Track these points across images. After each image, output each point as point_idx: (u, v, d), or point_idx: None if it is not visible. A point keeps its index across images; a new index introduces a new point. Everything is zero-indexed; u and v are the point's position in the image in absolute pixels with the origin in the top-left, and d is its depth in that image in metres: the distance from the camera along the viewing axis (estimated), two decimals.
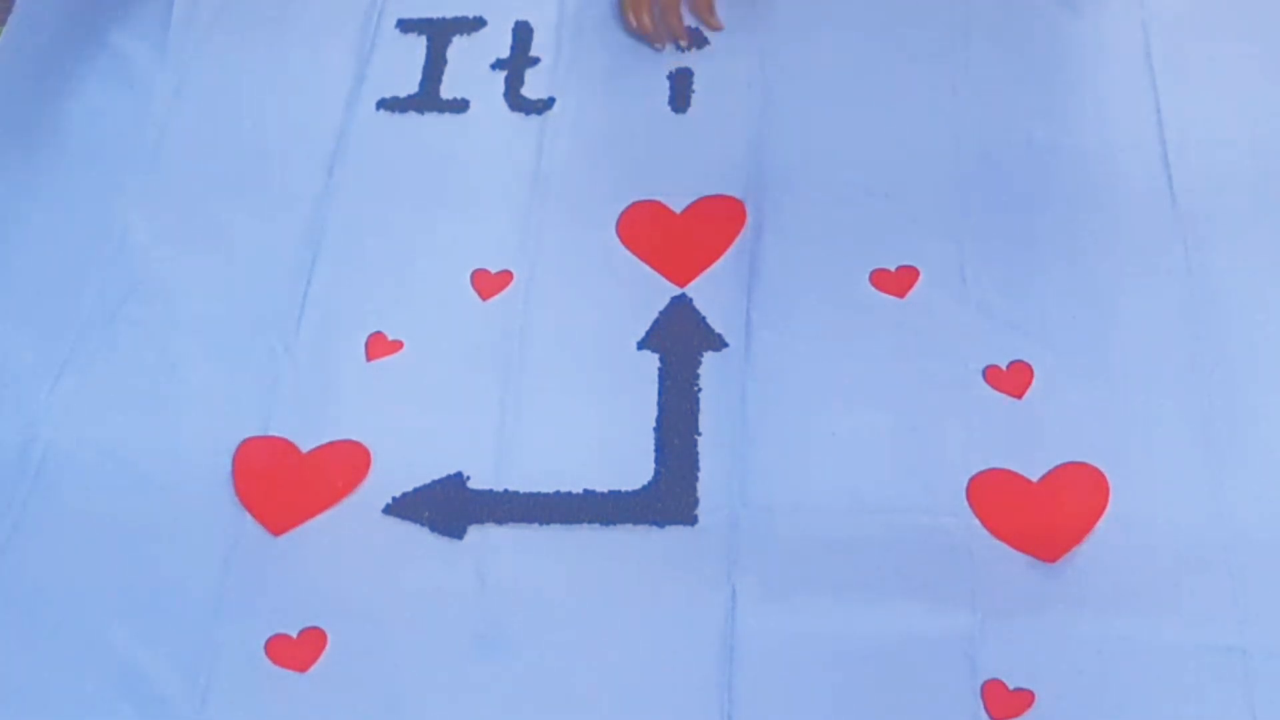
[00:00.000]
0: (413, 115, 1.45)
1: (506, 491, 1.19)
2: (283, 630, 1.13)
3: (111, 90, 1.49)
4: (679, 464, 1.20)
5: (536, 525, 1.18)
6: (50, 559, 1.18)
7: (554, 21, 1.52)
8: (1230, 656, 1.08)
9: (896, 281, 1.29)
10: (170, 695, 1.11)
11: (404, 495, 1.20)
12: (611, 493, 1.19)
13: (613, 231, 1.35)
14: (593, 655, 1.11)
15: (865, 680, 1.08)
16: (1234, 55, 1.42)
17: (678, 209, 1.36)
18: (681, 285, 1.31)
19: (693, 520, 1.17)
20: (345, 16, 1.54)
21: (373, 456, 1.22)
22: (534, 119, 1.44)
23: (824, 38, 1.48)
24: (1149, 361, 1.22)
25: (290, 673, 1.12)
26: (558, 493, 1.19)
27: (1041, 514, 1.15)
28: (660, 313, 1.29)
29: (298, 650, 1.13)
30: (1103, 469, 1.17)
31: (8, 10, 1.57)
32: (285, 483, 1.21)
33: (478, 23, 1.53)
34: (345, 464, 1.22)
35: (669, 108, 1.44)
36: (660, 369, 1.26)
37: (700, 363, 1.26)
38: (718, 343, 1.27)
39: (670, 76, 1.47)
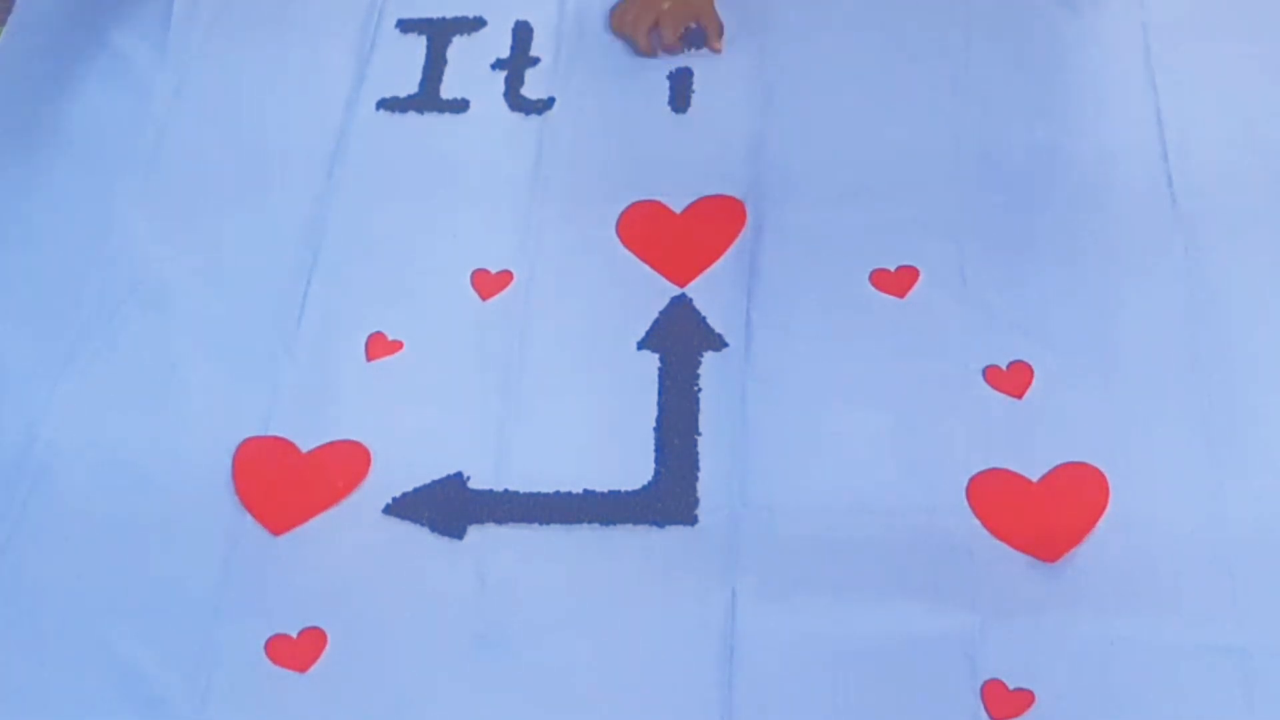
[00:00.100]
0: (413, 115, 1.46)
1: (506, 491, 1.19)
2: (283, 630, 1.13)
3: (111, 90, 1.49)
4: (679, 464, 1.20)
5: (536, 525, 1.18)
6: (50, 559, 1.18)
7: (554, 21, 1.52)
8: (1230, 656, 1.08)
9: (896, 281, 1.29)
10: (170, 695, 1.10)
11: (404, 495, 1.20)
12: (611, 493, 1.19)
13: (613, 231, 1.35)
14: (593, 655, 1.11)
15: (865, 680, 1.08)
16: (1234, 55, 1.42)
17: (678, 209, 1.36)
18: (681, 285, 1.31)
19: (693, 520, 1.17)
20: (345, 16, 1.54)
21: (373, 456, 1.22)
22: (534, 119, 1.44)
23: (824, 38, 1.48)
24: (1149, 361, 1.23)
25: (290, 673, 1.12)
26: (558, 493, 1.19)
27: (1041, 514, 1.15)
28: (660, 313, 1.29)
29: (298, 650, 1.13)
30: (1103, 469, 1.17)
31: (8, 10, 1.57)
32: (285, 483, 1.21)
33: (478, 23, 1.53)
34: (345, 464, 1.22)
35: (669, 108, 1.44)
36: (660, 369, 1.26)
37: (700, 363, 1.26)
38: (718, 343, 1.27)
39: (670, 76, 1.47)
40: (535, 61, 1.49)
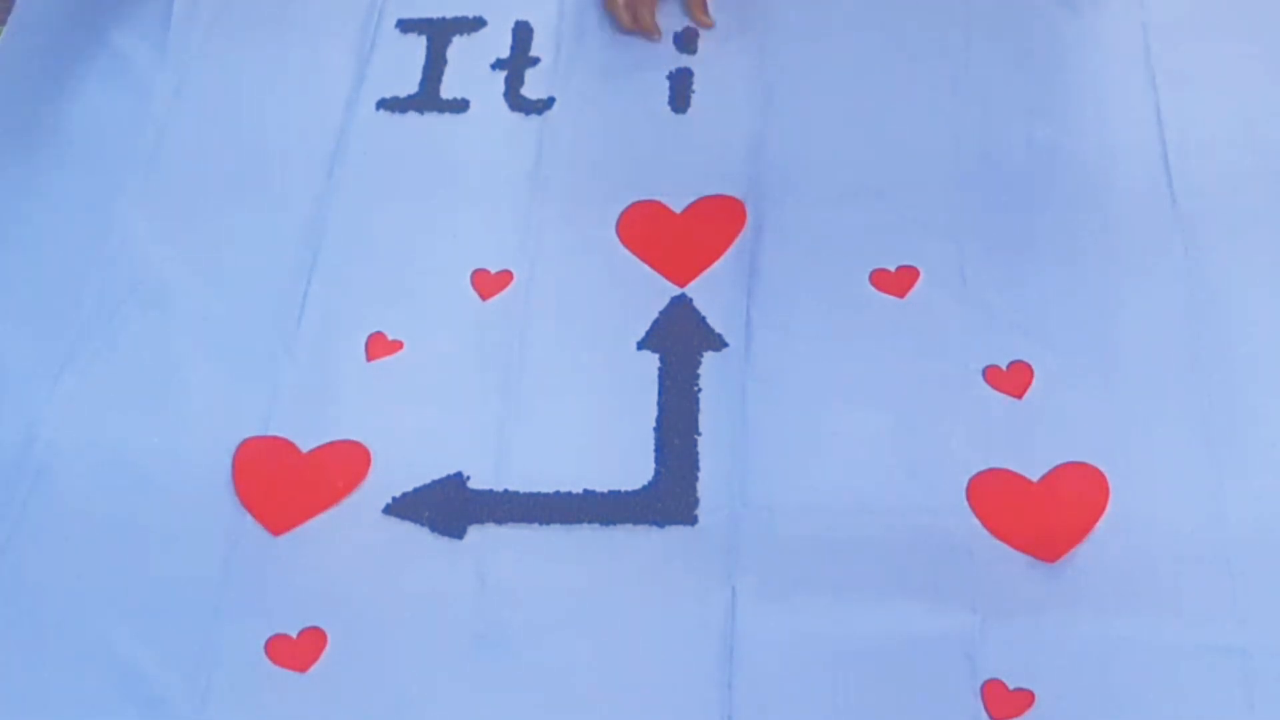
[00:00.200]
0: (413, 115, 1.46)
1: (506, 491, 1.19)
2: (283, 630, 1.13)
3: (111, 90, 1.49)
4: (679, 464, 1.20)
5: (536, 525, 1.18)
6: (50, 559, 1.18)
7: (554, 21, 1.52)
8: (1230, 656, 1.08)
9: (896, 281, 1.29)
10: (170, 695, 1.11)
11: (404, 495, 1.20)
12: (611, 493, 1.19)
13: (613, 231, 1.35)
14: (593, 655, 1.11)
15: (865, 680, 1.08)
16: (1234, 55, 1.42)
17: (678, 209, 1.36)
18: (681, 285, 1.31)
19: (693, 520, 1.17)
20: (345, 16, 1.54)
21: (373, 456, 1.22)
22: (534, 119, 1.44)
23: (824, 37, 1.48)
24: (1149, 361, 1.23)
25: (290, 673, 1.12)
26: (558, 493, 1.19)
27: (1041, 514, 1.15)
28: (660, 313, 1.29)
29: (298, 650, 1.13)
30: (1103, 469, 1.17)
31: (8, 10, 1.57)
32: (285, 483, 1.21)
33: (478, 23, 1.53)
34: (345, 464, 1.22)
35: (669, 108, 1.44)
36: (660, 369, 1.26)
37: (700, 363, 1.26)
38: (718, 343, 1.27)
39: (670, 76, 1.47)
40: (535, 61, 1.49)
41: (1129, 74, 1.41)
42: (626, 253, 1.34)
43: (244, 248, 1.36)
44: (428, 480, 1.20)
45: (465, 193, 1.39)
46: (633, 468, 1.20)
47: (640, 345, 1.27)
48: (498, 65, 1.49)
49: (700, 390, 1.24)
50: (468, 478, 1.20)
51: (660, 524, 1.17)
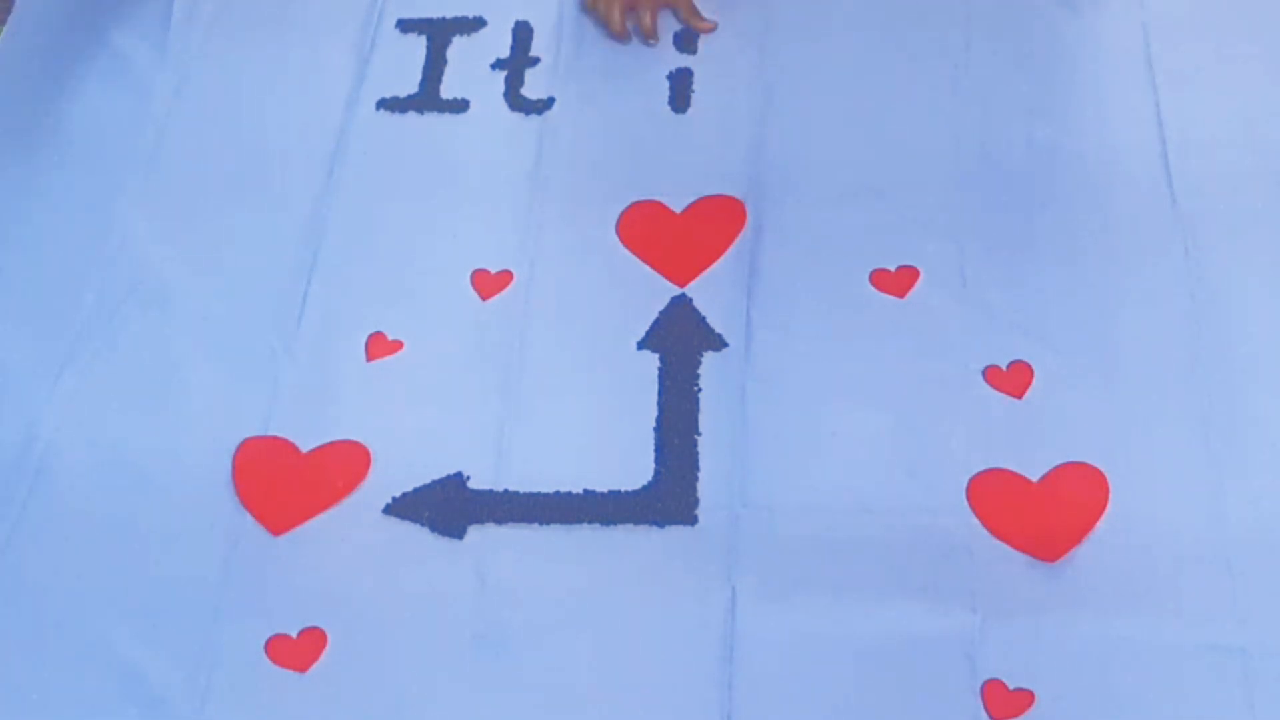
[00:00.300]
0: (413, 115, 1.46)
1: (506, 491, 1.19)
2: (283, 630, 1.13)
3: (111, 90, 1.49)
4: (679, 464, 1.20)
5: (536, 525, 1.18)
6: (50, 559, 1.18)
7: (554, 21, 1.52)
8: (1230, 656, 1.08)
9: (896, 281, 1.29)
10: (170, 695, 1.10)
11: (404, 495, 1.20)
12: (611, 493, 1.19)
13: (613, 231, 1.35)
14: (593, 655, 1.11)
15: (865, 680, 1.08)
16: (1234, 55, 1.42)
17: (678, 209, 1.36)
18: (681, 285, 1.31)
19: (693, 520, 1.17)
20: (345, 16, 1.54)
21: (373, 456, 1.22)
22: (534, 119, 1.44)
23: (824, 38, 1.48)
24: (1149, 361, 1.23)
25: (290, 673, 1.12)
26: (558, 493, 1.19)
27: (1041, 514, 1.15)
28: (660, 313, 1.29)
29: (298, 650, 1.13)
30: (1103, 469, 1.17)
31: (8, 10, 1.57)
32: (285, 483, 1.21)
33: (478, 23, 1.53)
34: (345, 464, 1.22)
35: (669, 108, 1.44)
36: (660, 369, 1.26)
37: (700, 363, 1.26)
38: (718, 343, 1.27)
39: (670, 76, 1.47)
40: (535, 61, 1.49)
41: (1129, 74, 1.41)
42: (626, 253, 1.34)
43: (244, 248, 1.36)
44: (428, 480, 1.20)
45: (465, 193, 1.39)
46: (633, 468, 1.20)
47: (640, 345, 1.27)
48: (498, 65, 1.49)
49: (700, 390, 1.24)
50: (468, 478, 1.20)
51: (660, 524, 1.17)
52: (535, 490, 1.19)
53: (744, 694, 1.08)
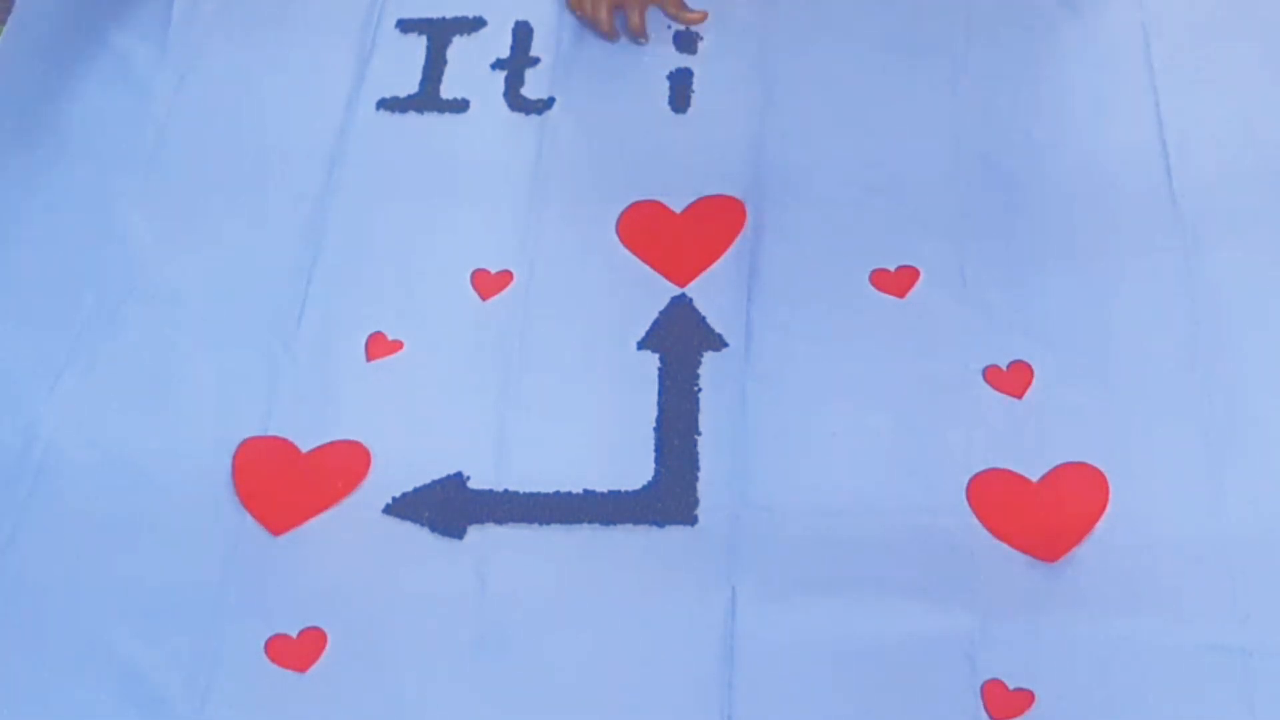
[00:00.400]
0: (413, 115, 1.45)
1: (506, 491, 1.19)
2: (283, 630, 1.13)
3: (111, 90, 1.49)
4: (679, 464, 1.20)
5: (536, 525, 1.18)
6: (50, 559, 1.18)
7: (554, 21, 1.52)
8: (1230, 656, 1.08)
9: (896, 281, 1.29)
10: (170, 695, 1.11)
11: (404, 495, 1.20)
12: (611, 493, 1.19)
13: (613, 231, 1.35)
14: (593, 655, 1.11)
15: (865, 680, 1.09)
16: (1234, 55, 1.42)
17: (678, 209, 1.36)
18: (681, 285, 1.31)
19: (693, 520, 1.17)
20: (345, 16, 1.54)
21: (373, 456, 1.22)
22: (534, 119, 1.44)
23: (824, 38, 1.47)
24: (1149, 361, 1.23)
25: (290, 673, 1.12)
26: (558, 493, 1.19)
27: (1041, 514, 1.15)
28: (660, 313, 1.29)
29: (298, 650, 1.13)
30: (1103, 469, 1.17)
31: (8, 10, 1.57)
32: (285, 483, 1.21)
33: (478, 23, 1.53)
34: (345, 464, 1.22)
35: (669, 108, 1.44)
36: (660, 369, 1.26)
37: (700, 363, 1.26)
38: (718, 343, 1.27)
39: (670, 76, 1.47)
40: (535, 61, 1.49)
41: (1129, 74, 1.41)
42: (626, 253, 1.34)
43: (244, 247, 1.36)
44: (428, 480, 1.20)
45: (465, 193, 1.39)
46: (633, 468, 1.20)
47: (640, 345, 1.27)
48: (498, 65, 1.49)
49: (700, 390, 1.24)
50: (468, 478, 1.20)
51: (660, 524, 1.17)
52: (535, 490, 1.19)
53: (744, 694, 1.08)
